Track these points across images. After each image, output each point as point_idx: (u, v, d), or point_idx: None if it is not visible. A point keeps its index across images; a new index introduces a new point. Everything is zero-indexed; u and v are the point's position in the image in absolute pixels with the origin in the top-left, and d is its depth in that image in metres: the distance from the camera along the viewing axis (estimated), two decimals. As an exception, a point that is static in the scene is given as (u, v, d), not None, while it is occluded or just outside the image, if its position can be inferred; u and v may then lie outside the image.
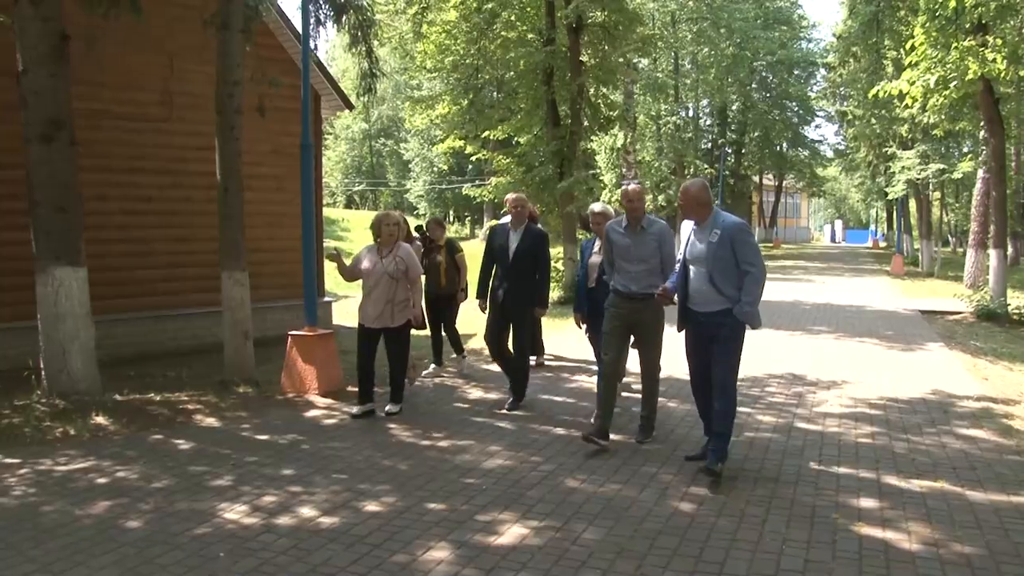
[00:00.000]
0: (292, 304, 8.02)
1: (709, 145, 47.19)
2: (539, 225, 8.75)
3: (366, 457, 6.34)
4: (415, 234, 9.71)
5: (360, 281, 7.84)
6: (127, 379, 9.17)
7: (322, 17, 11.54)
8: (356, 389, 7.83)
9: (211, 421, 7.61)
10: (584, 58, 18.72)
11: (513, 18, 19.79)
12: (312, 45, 10.62)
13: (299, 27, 10.33)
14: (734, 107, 48.27)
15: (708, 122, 48.10)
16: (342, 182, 68.78)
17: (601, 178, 30.85)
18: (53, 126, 7.70)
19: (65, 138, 7.79)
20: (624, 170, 31.93)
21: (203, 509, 5.20)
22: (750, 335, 5.88)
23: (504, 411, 7.82)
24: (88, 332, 8.02)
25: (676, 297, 6.05)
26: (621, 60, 20.36)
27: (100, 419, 7.38)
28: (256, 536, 4.76)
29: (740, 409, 6.91)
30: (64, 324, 7.84)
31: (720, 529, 4.85)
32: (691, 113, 44.47)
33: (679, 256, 6.12)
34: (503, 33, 19.85)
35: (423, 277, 8.56)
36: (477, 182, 40.07)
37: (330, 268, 11.32)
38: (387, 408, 7.73)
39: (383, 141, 68.26)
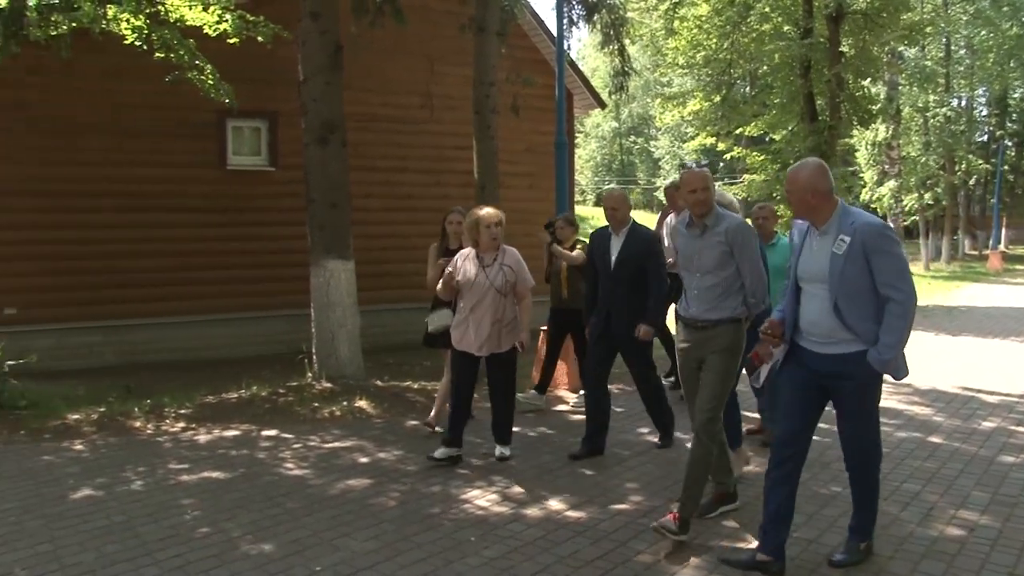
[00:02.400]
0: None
1: (985, 138, 43.27)
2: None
3: (614, 454, 6.36)
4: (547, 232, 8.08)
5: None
6: (387, 367, 9.77)
7: (575, 17, 11.71)
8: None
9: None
10: (844, 48, 17.78)
11: (768, 10, 19.14)
12: (565, 45, 10.78)
13: (552, 28, 10.55)
14: (1016, 94, 43.93)
15: (984, 112, 44.09)
16: (592, 180, 69.46)
17: (861, 175, 29.19)
18: (328, 129, 8.31)
19: (338, 140, 8.39)
20: (887, 166, 30.04)
21: (455, 494, 5.43)
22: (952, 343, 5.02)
23: (658, 447, 6.59)
24: (354, 321, 8.60)
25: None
26: (885, 49, 19.14)
27: (362, 403, 7.88)
28: (505, 524, 4.90)
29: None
30: (334, 312, 8.45)
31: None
32: (963, 103, 40.93)
33: (789, 271, 4.39)
34: (757, 26, 19.25)
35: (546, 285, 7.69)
36: (727, 180, 39.13)
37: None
38: (497, 452, 6.28)
39: (633, 139, 68.24)
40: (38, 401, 7.79)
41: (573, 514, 5.04)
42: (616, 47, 11.95)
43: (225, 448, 6.56)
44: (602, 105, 15.03)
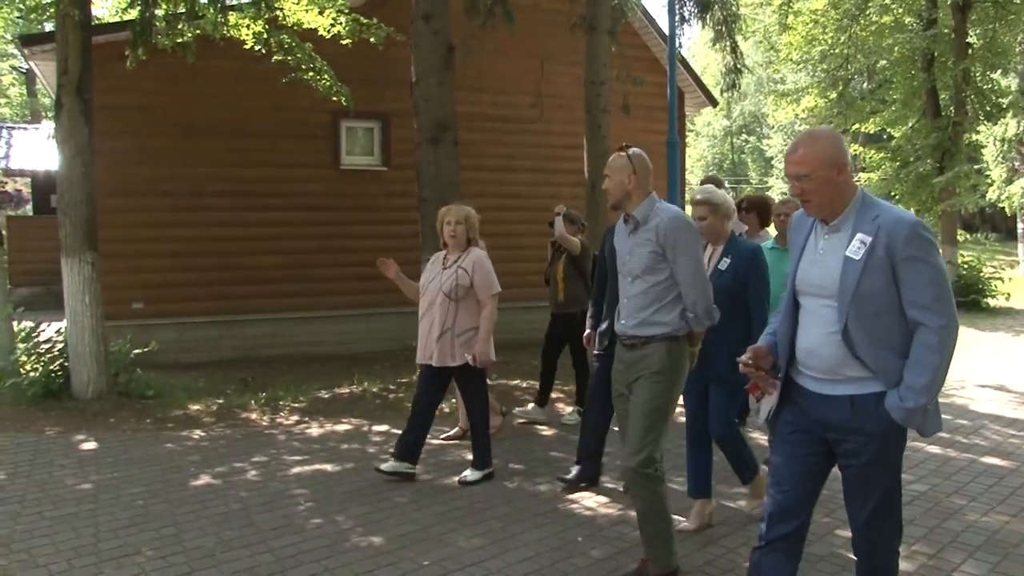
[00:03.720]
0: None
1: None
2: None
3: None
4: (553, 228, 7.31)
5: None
6: (494, 365, 9.80)
7: (687, 14, 11.53)
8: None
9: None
10: (971, 39, 17.01)
11: (888, 1, 18.48)
12: (677, 43, 10.65)
13: (663, 26, 10.43)
14: None
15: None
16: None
17: (987, 173, 27.88)
18: (440, 129, 8.41)
19: (450, 140, 8.48)
20: (1017, 163, 28.59)
21: (562, 494, 5.42)
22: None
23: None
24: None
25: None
26: (1017, 39, 18.23)
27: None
28: (612, 525, 4.87)
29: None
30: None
31: None
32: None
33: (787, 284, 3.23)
34: (876, 18, 18.61)
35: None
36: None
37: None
38: (464, 475, 5.69)
39: (744, 137, 66.97)
40: (162, 391, 8.15)
41: (681, 518, 4.96)
42: (728, 44, 11.71)
43: (336, 442, 6.73)
44: (713, 103, 14.79)
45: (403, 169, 10.88)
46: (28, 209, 20.06)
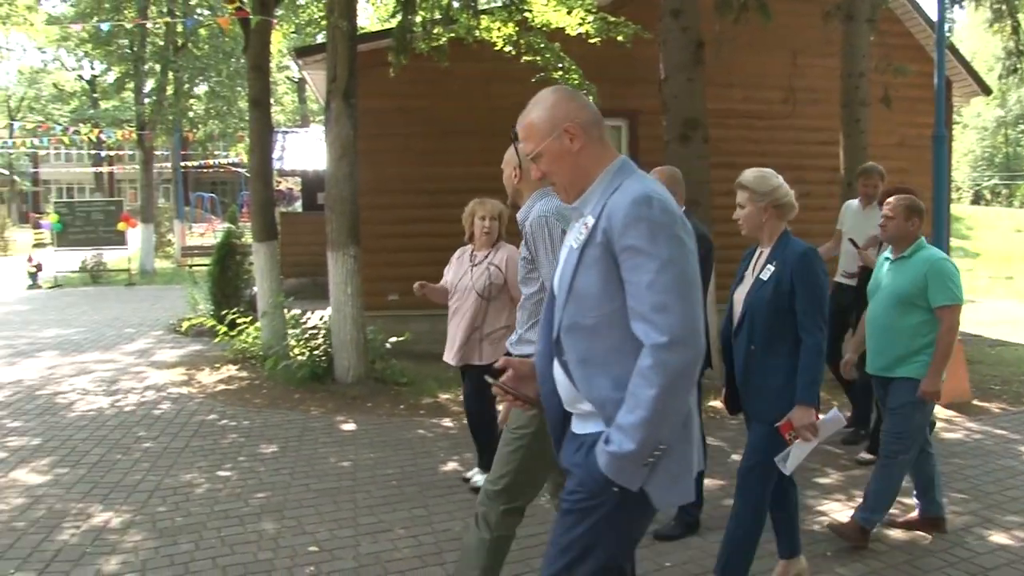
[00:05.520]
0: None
1: None
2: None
3: (996, 480, 5.71)
4: None
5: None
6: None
7: (960, -4, 10.67)
8: (979, 403, 7.00)
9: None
10: None
11: None
12: (945, 28, 9.87)
13: (928, 10, 9.70)
14: None
15: None
16: (969, 176, 63.25)
17: None
18: (690, 127, 8.26)
19: (700, 137, 8.31)
20: None
21: (811, 505, 5.20)
22: None
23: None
24: (711, 319, 8.48)
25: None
26: None
27: (715, 402, 7.77)
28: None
29: None
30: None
31: None
32: None
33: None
34: None
35: None
36: None
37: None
38: (469, 474, 5.59)
39: (1021, 128, 61.13)
40: (415, 379, 8.59)
41: (943, 544, 4.57)
42: (1010, 24, 10.70)
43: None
44: (986, 91, 13.58)
45: (650, 167, 10.77)
46: (298, 206, 21.82)
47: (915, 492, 4.82)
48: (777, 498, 3.85)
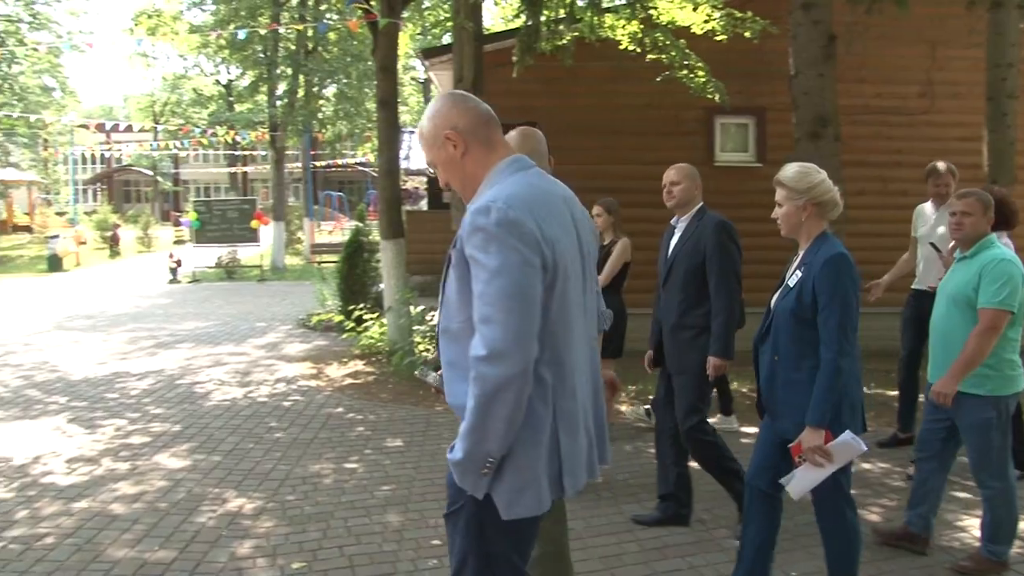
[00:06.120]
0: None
1: None
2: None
3: None
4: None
5: None
6: (871, 373, 9.20)
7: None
8: None
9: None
10: None
11: None
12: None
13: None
14: None
15: None
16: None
17: None
18: (821, 124, 8.02)
19: (831, 135, 8.06)
20: None
21: (949, 519, 4.97)
22: None
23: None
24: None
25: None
26: None
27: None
28: (1010, 560, 4.35)
29: None
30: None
31: None
32: None
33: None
34: None
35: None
36: None
37: None
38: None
39: None
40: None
41: None
42: None
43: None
44: None
45: (779, 165, 10.43)
46: (423, 204, 22.22)
47: (909, 501, 4.54)
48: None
